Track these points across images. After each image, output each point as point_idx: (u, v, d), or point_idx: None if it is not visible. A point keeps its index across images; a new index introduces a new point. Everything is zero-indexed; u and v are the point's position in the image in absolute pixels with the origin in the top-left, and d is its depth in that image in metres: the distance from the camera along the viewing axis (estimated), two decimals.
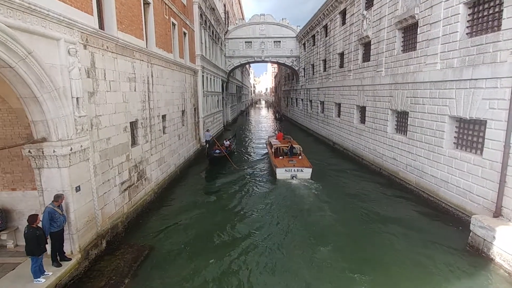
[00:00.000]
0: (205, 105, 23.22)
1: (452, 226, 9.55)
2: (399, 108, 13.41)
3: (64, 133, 6.63)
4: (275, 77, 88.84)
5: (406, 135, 13.00)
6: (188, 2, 19.48)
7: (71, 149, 6.75)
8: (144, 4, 11.79)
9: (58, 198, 6.46)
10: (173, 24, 15.95)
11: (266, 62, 41.55)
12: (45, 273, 6.23)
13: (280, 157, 16.54)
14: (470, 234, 8.21)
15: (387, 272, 7.24)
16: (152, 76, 12.30)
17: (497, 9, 8.72)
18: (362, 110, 18.10)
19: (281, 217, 10.73)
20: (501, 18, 8.33)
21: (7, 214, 7.69)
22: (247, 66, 75.34)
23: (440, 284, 6.76)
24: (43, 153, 6.53)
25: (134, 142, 10.63)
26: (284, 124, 42.27)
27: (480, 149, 9.17)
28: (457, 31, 9.88)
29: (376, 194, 12.71)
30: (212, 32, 27.99)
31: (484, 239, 7.72)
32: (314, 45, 30.08)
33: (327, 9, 24.07)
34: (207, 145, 20.66)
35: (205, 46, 24.40)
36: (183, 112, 17.24)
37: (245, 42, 37.53)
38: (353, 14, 19.07)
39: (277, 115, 55.22)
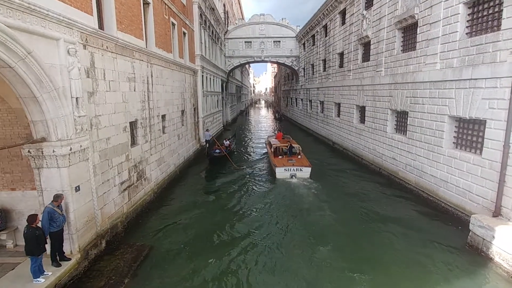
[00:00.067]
0: (204, 105, 23.22)
1: (451, 225, 9.56)
2: (399, 108, 13.41)
3: (63, 133, 6.63)
4: (274, 77, 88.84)
5: (406, 135, 13.01)
6: (187, 2, 19.48)
7: (70, 149, 6.75)
8: (143, 4, 11.78)
9: (57, 198, 6.46)
10: (173, 24, 15.95)
11: (266, 62, 41.57)
12: (45, 273, 6.23)
13: (280, 157, 16.58)
14: (470, 233, 8.22)
15: (386, 272, 7.25)
16: (151, 76, 12.30)
17: (496, 9, 8.73)
18: (362, 110, 18.11)
19: (281, 216, 10.73)
20: (501, 18, 8.34)
21: (7, 214, 7.68)
22: (247, 66, 75.31)
23: (440, 283, 6.77)
24: (42, 153, 6.52)
25: (133, 142, 10.63)
26: (284, 124, 42.28)
27: (479, 149, 9.18)
28: (456, 31, 9.88)
29: (376, 194, 12.72)
30: (212, 32, 27.98)
31: (484, 239, 7.73)
32: (313, 45, 30.08)
33: (327, 9, 24.08)
34: (207, 144, 20.68)
35: (205, 46, 24.39)
36: (182, 112, 17.24)
37: (245, 42, 37.53)
38: (353, 14, 19.08)
39: (276, 115, 55.23)
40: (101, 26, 8.80)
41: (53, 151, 6.52)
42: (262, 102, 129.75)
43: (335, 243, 8.66)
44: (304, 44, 34.70)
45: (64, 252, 6.83)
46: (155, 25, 13.12)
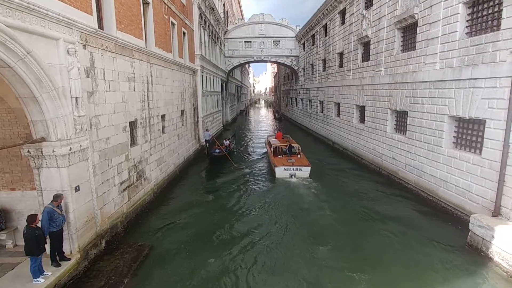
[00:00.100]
0: (204, 104, 23.21)
1: (451, 225, 9.57)
2: (399, 107, 13.42)
3: (63, 133, 6.62)
4: (274, 77, 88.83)
5: (406, 134, 13.01)
6: (187, 1, 19.46)
7: (70, 149, 6.75)
8: (143, 3, 11.77)
9: (57, 198, 6.45)
10: (173, 24, 15.94)
11: (266, 61, 41.55)
12: (44, 273, 6.22)
13: (279, 156, 16.62)
14: (469, 233, 8.23)
15: (386, 271, 7.26)
16: (151, 75, 12.29)
17: (496, 9, 8.73)
18: (362, 109, 18.11)
19: (280, 215, 10.74)
20: (501, 17, 8.34)
21: (6, 214, 7.67)
22: (247, 65, 75.27)
23: (439, 283, 6.77)
24: (42, 153, 6.52)
25: (133, 142, 10.62)
26: (284, 124, 42.26)
27: (479, 149, 9.18)
28: (456, 31, 9.88)
29: (376, 193, 12.73)
30: (212, 31, 27.97)
31: (483, 238, 7.73)
32: (313, 44, 30.08)
33: (327, 9, 24.07)
34: (207, 144, 20.70)
35: (205, 46, 24.38)
36: (182, 111, 17.23)
37: (245, 41, 37.51)
38: (353, 13, 19.08)
39: (276, 114, 55.21)
40: (100, 25, 8.79)
41: (53, 151, 6.52)
42: (262, 102, 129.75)
43: (335, 243, 8.66)
44: (303, 44, 34.70)
45: (63, 252, 6.83)
46: (155, 25, 13.11)
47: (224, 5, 38.77)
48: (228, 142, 20.91)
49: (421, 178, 11.84)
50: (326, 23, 25.28)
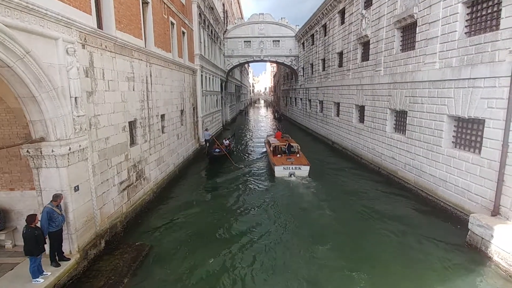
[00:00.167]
0: (204, 104, 23.20)
1: (450, 224, 9.58)
2: (398, 107, 13.43)
3: (62, 133, 6.61)
4: (274, 77, 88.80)
5: (405, 134, 13.02)
6: (187, 1, 19.43)
7: (69, 149, 6.74)
8: (142, 3, 11.76)
9: (56, 197, 6.45)
10: (172, 24, 15.92)
11: (265, 61, 41.53)
12: (44, 273, 6.21)
13: (279, 156, 16.67)
14: (468, 232, 8.25)
15: (385, 270, 7.27)
16: (150, 75, 12.28)
17: (495, 9, 8.73)
18: (361, 109, 18.12)
19: (279, 215, 10.75)
20: (500, 17, 8.34)
21: (6, 214, 7.66)
22: (246, 65, 75.20)
23: (438, 282, 6.78)
24: (41, 152, 6.51)
25: (132, 142, 10.61)
26: (283, 124, 42.25)
27: (478, 148, 9.19)
28: (455, 31, 9.89)
29: (375, 193, 12.74)
30: (211, 31, 27.94)
31: (482, 238, 7.75)
32: (313, 44, 30.07)
33: (326, 8, 24.07)
34: (207, 144, 20.73)
35: (204, 46, 24.36)
36: (182, 111, 17.22)
37: (244, 41, 37.47)
38: (352, 13, 19.07)
39: (276, 114, 55.20)
40: (100, 25, 8.78)
41: (52, 151, 6.51)
42: (262, 101, 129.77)
43: (334, 242, 8.67)
44: (303, 43, 34.69)
45: (63, 252, 6.82)
46: (154, 25, 13.10)
47: (223, 4, 38.73)
48: (227, 141, 20.94)
49: (420, 178, 11.85)
50: (325, 23, 25.27)
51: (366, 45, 17.37)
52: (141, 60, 11.30)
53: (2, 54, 5.29)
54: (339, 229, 9.62)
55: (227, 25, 38.80)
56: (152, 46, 12.70)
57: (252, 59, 38.63)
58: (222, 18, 33.47)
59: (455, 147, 10.26)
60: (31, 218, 6.01)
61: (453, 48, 9.97)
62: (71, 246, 7.01)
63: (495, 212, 8.20)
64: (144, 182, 11.34)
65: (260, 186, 14.16)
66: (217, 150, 18.80)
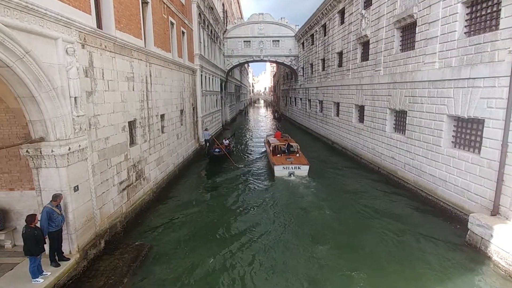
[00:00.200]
0: (203, 104, 23.19)
1: (450, 224, 9.59)
2: (398, 107, 13.43)
3: (62, 133, 6.61)
4: (273, 77, 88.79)
5: (405, 134, 13.03)
6: (186, 1, 19.43)
7: (69, 149, 6.74)
8: (142, 3, 11.76)
9: (56, 197, 6.45)
10: (172, 23, 15.91)
11: (265, 61, 41.52)
12: (44, 273, 6.21)
13: (278, 155, 16.69)
14: (468, 232, 8.26)
15: (385, 270, 7.27)
16: (150, 75, 12.27)
17: (495, 9, 8.74)
18: (361, 109, 18.13)
19: (279, 214, 10.75)
20: (499, 17, 8.35)
21: (5, 214, 7.66)
22: (246, 65, 75.22)
23: (438, 281, 6.79)
24: (41, 152, 6.51)
25: (132, 142, 10.61)
26: (283, 124, 42.29)
27: (478, 148, 9.20)
28: (455, 30, 9.90)
29: (375, 193, 12.75)
30: (211, 31, 27.94)
31: (482, 237, 7.76)
32: (312, 44, 30.08)
33: (326, 8, 24.07)
34: (207, 144, 20.75)
35: (204, 46, 24.35)
36: (181, 111, 17.22)
37: (244, 41, 37.47)
38: (352, 13, 19.08)
39: (276, 114, 55.22)
40: (99, 25, 8.78)
41: (52, 151, 6.51)
42: (261, 101, 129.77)
43: (334, 241, 8.68)
44: (303, 43, 34.69)
45: (63, 252, 6.82)
46: (154, 24, 13.09)
47: (223, 4, 38.72)
48: (227, 141, 20.98)
49: (420, 178, 11.85)
50: (325, 23, 25.28)
51: (365, 45, 17.37)
52: (141, 60, 11.30)
53: (2, 54, 5.28)
54: (338, 228, 9.63)
55: (226, 25, 38.79)
56: (151, 46, 12.70)
57: (251, 59, 38.63)
58: (221, 18, 33.46)
59: (455, 147, 10.26)
60: (30, 218, 6.01)
61: (453, 48, 9.97)
62: (71, 246, 7.01)
63: (495, 211, 8.20)
64: (143, 182, 11.34)
65: (259, 185, 14.16)
66: (217, 150, 18.82)
